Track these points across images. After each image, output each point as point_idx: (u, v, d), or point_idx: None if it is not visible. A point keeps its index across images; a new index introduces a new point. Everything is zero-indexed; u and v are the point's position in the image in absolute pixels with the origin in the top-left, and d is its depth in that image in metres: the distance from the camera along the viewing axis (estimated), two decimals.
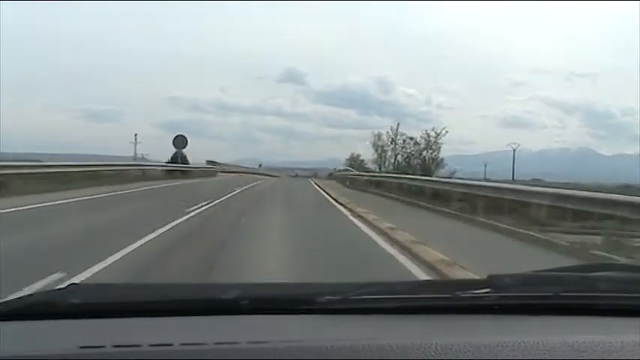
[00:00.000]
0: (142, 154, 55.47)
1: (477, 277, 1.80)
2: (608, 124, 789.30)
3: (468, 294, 1.33)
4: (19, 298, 1.29)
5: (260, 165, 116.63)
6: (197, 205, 13.43)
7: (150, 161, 42.12)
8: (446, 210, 14.04)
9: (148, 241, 7.80)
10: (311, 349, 1.05)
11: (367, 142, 54.30)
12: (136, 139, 63.85)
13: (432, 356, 1.03)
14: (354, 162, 58.06)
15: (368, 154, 53.72)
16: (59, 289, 1.36)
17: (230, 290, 1.32)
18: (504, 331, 1.19)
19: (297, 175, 77.89)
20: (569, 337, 1.11)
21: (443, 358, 1.03)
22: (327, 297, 1.28)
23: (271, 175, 61.79)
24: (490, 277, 1.42)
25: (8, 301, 1.29)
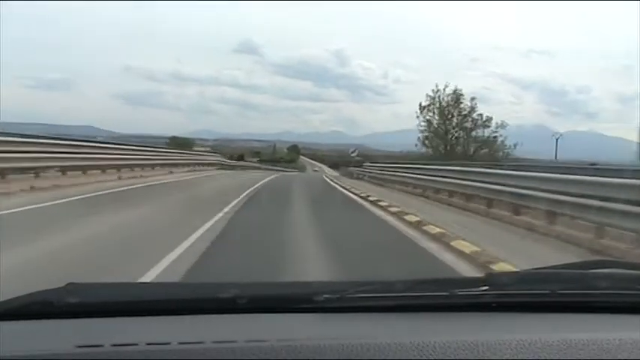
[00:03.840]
0: None
1: (475, 276, 1.71)
2: (563, 101, 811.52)
3: (465, 292, 1.33)
4: (15, 297, 1.27)
5: (259, 159, 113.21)
6: None
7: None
8: None
9: None
10: (309, 348, 1.04)
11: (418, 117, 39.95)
12: None
13: (430, 355, 1.03)
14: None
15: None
16: (56, 288, 1.31)
17: (228, 289, 1.31)
18: (502, 329, 1.20)
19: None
20: (567, 335, 1.11)
21: (441, 356, 1.03)
22: (325, 295, 1.27)
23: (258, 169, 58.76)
24: (488, 274, 1.44)
25: (5, 300, 1.26)
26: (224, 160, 51.74)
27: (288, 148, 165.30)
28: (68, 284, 1.33)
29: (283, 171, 67.03)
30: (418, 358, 1.03)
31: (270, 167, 72.81)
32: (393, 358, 1.03)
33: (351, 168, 41.45)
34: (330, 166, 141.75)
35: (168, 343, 1.06)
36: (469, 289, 1.34)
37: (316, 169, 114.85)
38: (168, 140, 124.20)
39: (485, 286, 1.33)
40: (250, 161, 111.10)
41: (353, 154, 49.43)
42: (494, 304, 1.31)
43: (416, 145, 39.97)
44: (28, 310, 1.23)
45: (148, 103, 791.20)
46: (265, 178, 29.33)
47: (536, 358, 1.04)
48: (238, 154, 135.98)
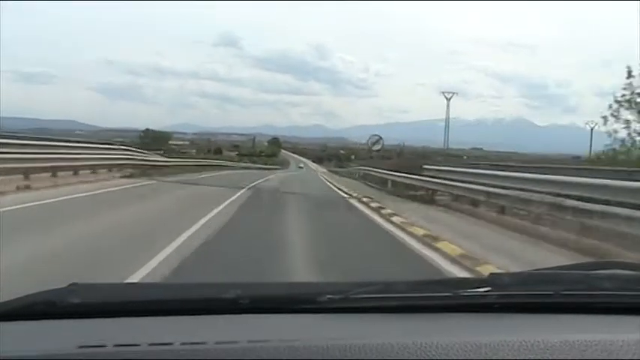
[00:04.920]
0: None
1: (478, 277, 1.59)
2: (543, 94, 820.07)
3: (468, 293, 1.32)
4: (17, 298, 1.27)
5: (237, 153, 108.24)
6: None
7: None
8: None
9: None
10: (311, 348, 1.05)
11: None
12: None
13: (433, 355, 1.03)
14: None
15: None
16: (59, 288, 1.31)
17: (230, 289, 1.31)
18: (505, 330, 1.20)
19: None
20: (570, 336, 1.11)
21: (444, 357, 1.03)
22: (328, 296, 1.28)
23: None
24: (491, 275, 1.43)
25: (7, 301, 1.26)
26: (148, 156, 26.83)
27: (268, 141, 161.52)
28: (71, 284, 1.33)
29: (263, 169, 57.13)
30: (421, 358, 1.03)
31: (248, 165, 62.18)
32: (395, 359, 1.03)
33: (363, 168, 30.33)
34: (313, 161, 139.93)
35: (170, 344, 1.06)
36: (472, 290, 1.33)
37: (301, 165, 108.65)
38: (141, 134, 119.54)
39: (488, 286, 1.33)
40: (227, 156, 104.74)
41: (375, 148, 31.16)
42: (497, 305, 1.31)
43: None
44: (30, 311, 1.23)
45: (129, 96, 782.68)
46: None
47: (540, 358, 1.04)
48: (215, 148, 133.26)
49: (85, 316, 1.23)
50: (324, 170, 71.44)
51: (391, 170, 21.99)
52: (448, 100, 67.29)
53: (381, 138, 31.61)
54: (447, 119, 64.41)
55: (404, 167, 20.66)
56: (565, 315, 1.30)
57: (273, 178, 32.61)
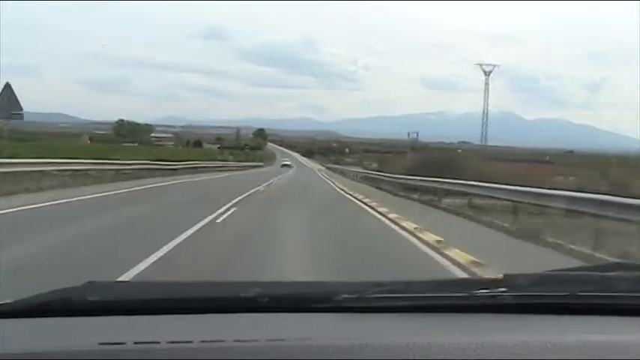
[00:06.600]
0: None
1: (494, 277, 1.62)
2: (532, 87, 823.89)
3: (483, 293, 1.32)
4: (36, 295, 1.28)
5: (219, 146, 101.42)
6: None
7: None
8: None
9: None
10: (329, 348, 1.06)
11: None
12: None
13: (449, 355, 1.04)
14: None
15: None
16: (76, 286, 1.33)
17: (249, 288, 1.32)
18: (520, 331, 1.21)
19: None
20: (586, 337, 1.12)
21: (460, 356, 1.04)
22: (345, 295, 1.29)
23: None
24: (506, 276, 1.43)
25: (25, 298, 1.28)
26: None
27: (253, 134, 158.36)
28: (88, 282, 1.34)
29: (234, 169, 45.21)
30: (436, 358, 1.03)
31: (215, 164, 46.24)
32: (411, 359, 1.04)
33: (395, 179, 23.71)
34: (303, 154, 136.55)
35: (190, 342, 1.06)
36: (487, 290, 1.33)
37: (287, 161, 78.80)
38: (114, 125, 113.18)
39: (503, 287, 1.33)
40: (206, 149, 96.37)
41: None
42: (512, 306, 1.30)
43: None
44: (48, 308, 1.24)
45: (116, 89, 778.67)
46: None
47: (555, 359, 1.05)
48: (195, 141, 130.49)
49: (103, 313, 1.24)
50: (320, 167, 62.73)
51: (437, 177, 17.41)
52: (487, 74, 59.95)
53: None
54: (486, 103, 56.21)
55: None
56: (580, 316, 1.30)
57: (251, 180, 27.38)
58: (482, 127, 57.95)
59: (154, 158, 33.17)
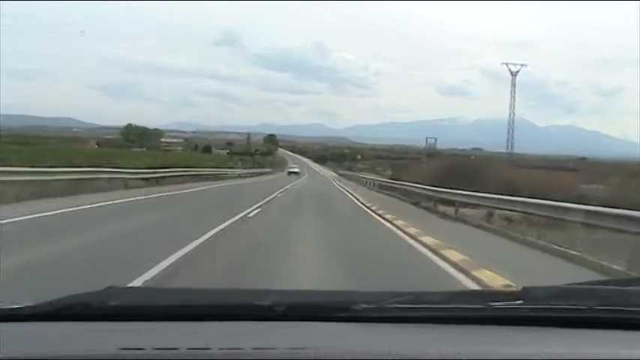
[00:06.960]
0: None
1: (511, 289, 1.67)
2: (542, 94, 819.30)
3: (500, 305, 1.32)
4: (57, 299, 1.29)
5: (229, 152, 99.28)
6: None
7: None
8: None
9: None
10: (346, 357, 1.06)
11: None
12: None
13: None
14: None
15: None
16: (96, 291, 1.34)
17: (267, 296, 1.33)
18: (537, 343, 1.20)
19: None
20: (603, 351, 1.11)
21: None
22: (362, 305, 1.29)
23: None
24: (524, 289, 1.42)
25: (46, 302, 1.28)
26: None
27: (264, 139, 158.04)
28: (108, 288, 1.36)
29: (233, 177, 38.71)
30: None
31: (217, 171, 38.98)
32: None
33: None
34: (315, 160, 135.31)
35: (208, 349, 1.07)
36: (505, 303, 1.33)
37: (295, 168, 68.88)
38: (123, 129, 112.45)
39: (520, 299, 1.33)
40: (216, 154, 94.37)
41: None
42: (529, 318, 1.30)
43: None
44: (68, 312, 1.25)
45: (128, 94, 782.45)
46: None
47: None
48: (205, 146, 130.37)
49: (122, 319, 1.25)
50: (334, 174, 56.15)
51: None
52: (514, 75, 54.74)
53: None
54: (513, 106, 50.26)
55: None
56: (598, 330, 1.28)
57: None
58: (508, 132, 56.51)
59: (158, 164, 29.58)
